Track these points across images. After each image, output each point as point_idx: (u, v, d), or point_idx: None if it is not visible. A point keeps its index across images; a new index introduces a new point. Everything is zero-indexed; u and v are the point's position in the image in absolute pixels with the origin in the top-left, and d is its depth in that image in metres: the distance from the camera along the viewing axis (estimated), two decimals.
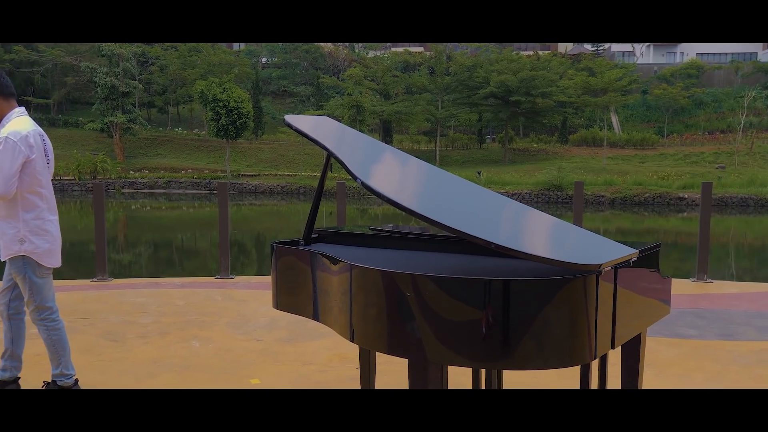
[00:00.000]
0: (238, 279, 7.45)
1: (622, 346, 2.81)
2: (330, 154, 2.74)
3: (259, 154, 44.31)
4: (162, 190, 37.04)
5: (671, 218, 24.52)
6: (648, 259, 2.55)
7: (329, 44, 55.18)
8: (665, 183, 30.39)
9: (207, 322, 5.40)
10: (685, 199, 28.19)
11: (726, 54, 57.95)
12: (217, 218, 7.70)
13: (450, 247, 2.93)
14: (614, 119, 46.76)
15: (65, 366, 3.59)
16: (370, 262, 2.50)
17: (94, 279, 7.25)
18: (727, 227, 21.72)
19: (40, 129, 3.56)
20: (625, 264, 2.33)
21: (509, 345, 2.07)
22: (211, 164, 42.64)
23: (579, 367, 2.72)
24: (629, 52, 59.88)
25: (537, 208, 2.74)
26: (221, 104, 37.67)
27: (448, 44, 42.72)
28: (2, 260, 3.49)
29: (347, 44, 56.53)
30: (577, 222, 7.58)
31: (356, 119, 38.90)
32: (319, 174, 2.76)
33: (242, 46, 58.22)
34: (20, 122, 3.45)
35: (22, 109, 3.60)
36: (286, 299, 2.94)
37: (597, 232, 2.56)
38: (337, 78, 49.88)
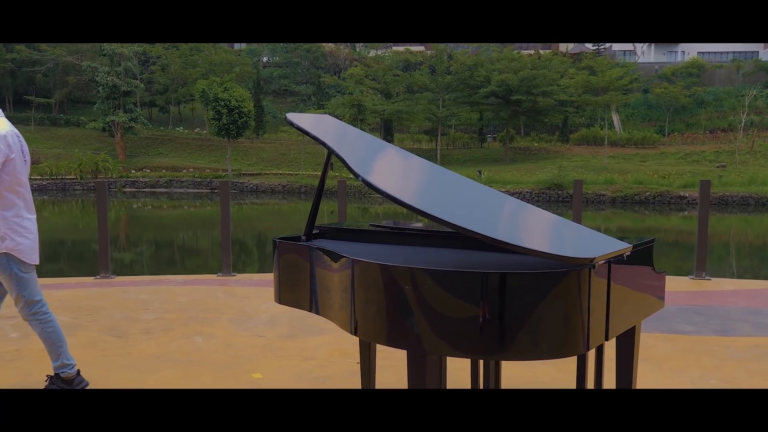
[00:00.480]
0: (240, 276, 7.51)
1: (617, 339, 2.86)
2: (331, 151, 2.79)
3: (260, 153, 44.39)
4: (163, 189, 37.13)
5: (672, 217, 24.56)
6: (642, 254, 2.61)
7: (330, 43, 55.18)
8: (666, 182, 30.44)
9: (209, 319, 5.46)
10: (686, 197, 28.22)
11: (727, 53, 57.94)
12: (218, 217, 7.75)
13: (449, 242, 2.99)
14: (615, 118, 46.78)
15: (65, 356, 3.63)
16: (370, 257, 2.55)
17: (97, 276, 7.31)
18: (728, 226, 21.76)
19: (16, 130, 3.58)
20: (618, 258, 2.38)
21: (505, 337, 2.13)
22: (212, 163, 42.72)
23: (576, 361, 2.77)
24: (630, 51, 59.88)
25: (538, 206, 2.80)
26: (222, 103, 37.76)
27: (449, 43, 42.72)
28: None
29: (348, 43, 56.53)
30: (577, 220, 7.63)
31: (357, 118, 38.95)
32: (320, 173, 2.81)
33: (243, 45, 58.28)
34: None
35: None
36: (288, 293, 3.00)
37: (598, 230, 2.61)
38: (338, 77, 49.95)
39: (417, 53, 49.41)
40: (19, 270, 3.49)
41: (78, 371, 3.71)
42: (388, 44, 53.18)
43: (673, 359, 4.36)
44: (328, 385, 3.89)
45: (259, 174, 39.12)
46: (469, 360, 3.34)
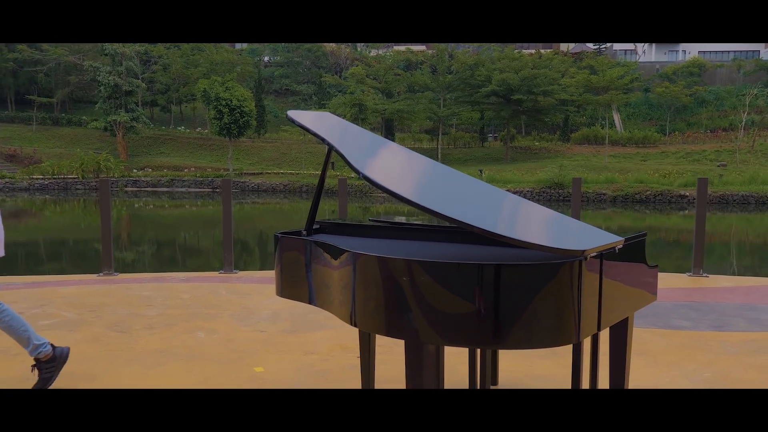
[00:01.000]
0: (242, 273, 7.58)
1: (610, 331, 2.93)
2: (331, 147, 2.86)
3: (261, 152, 44.47)
4: (165, 189, 37.20)
5: (672, 216, 24.59)
6: (634, 247, 2.67)
7: (331, 43, 55.21)
8: (667, 181, 30.45)
9: (211, 314, 5.53)
10: (687, 196, 28.24)
11: (728, 52, 57.95)
12: (220, 216, 7.82)
13: (448, 237, 3.06)
14: (616, 117, 46.82)
15: (34, 338, 3.58)
16: (369, 251, 2.62)
17: (101, 274, 7.38)
18: (728, 225, 21.80)
19: None
20: (611, 250, 2.45)
21: (500, 327, 2.19)
22: (213, 163, 42.81)
23: (571, 355, 2.83)
24: (631, 50, 59.89)
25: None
26: (224, 103, 37.84)
27: (450, 43, 42.74)
28: None
29: (349, 43, 56.56)
30: (576, 217, 7.68)
31: (358, 118, 39.02)
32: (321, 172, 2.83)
33: (245, 45, 58.36)
34: None
35: None
36: (290, 287, 3.07)
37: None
38: (340, 76, 50.02)
39: (418, 53, 49.47)
40: None
41: (52, 345, 3.66)
42: (390, 44, 53.22)
43: (668, 353, 4.42)
44: (328, 378, 3.96)
45: (261, 173, 39.18)
46: (468, 354, 3.40)
